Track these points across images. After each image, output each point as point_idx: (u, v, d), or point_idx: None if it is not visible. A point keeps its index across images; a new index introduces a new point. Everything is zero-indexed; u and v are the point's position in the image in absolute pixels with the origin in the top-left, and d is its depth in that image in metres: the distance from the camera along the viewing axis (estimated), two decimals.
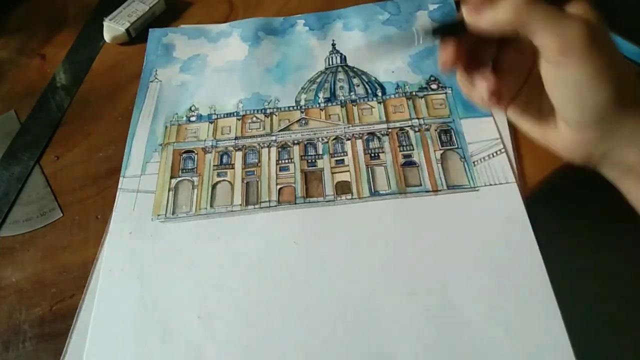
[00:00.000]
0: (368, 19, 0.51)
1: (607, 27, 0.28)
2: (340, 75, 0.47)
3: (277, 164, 0.42)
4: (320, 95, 0.46)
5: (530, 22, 0.27)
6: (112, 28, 0.52)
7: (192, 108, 0.46)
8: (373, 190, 0.39)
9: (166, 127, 0.45)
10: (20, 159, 0.45)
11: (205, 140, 0.44)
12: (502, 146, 0.40)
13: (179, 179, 0.42)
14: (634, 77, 0.29)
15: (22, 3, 0.58)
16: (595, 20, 0.27)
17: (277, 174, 0.41)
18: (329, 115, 0.45)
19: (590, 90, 0.27)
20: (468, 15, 0.29)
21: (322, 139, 0.43)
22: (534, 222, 0.36)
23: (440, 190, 0.39)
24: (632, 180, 0.30)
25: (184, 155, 0.43)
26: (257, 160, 0.42)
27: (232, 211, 0.39)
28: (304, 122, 0.44)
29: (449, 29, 0.30)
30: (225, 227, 0.38)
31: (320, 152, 0.42)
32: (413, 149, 0.41)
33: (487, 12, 0.28)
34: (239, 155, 0.43)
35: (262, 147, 0.43)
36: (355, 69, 0.48)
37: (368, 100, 0.45)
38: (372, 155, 0.42)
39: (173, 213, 0.40)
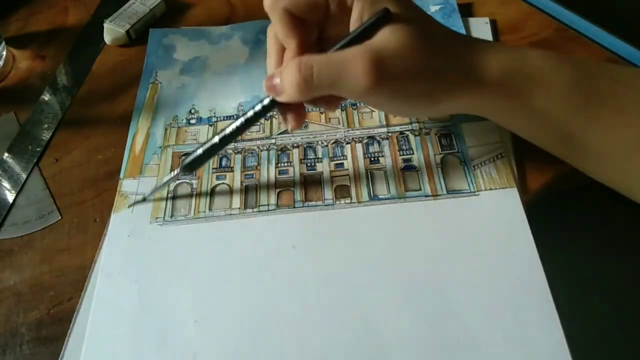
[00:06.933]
0: None
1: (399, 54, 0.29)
2: None
3: (276, 168, 0.42)
4: None
5: (318, 91, 0.30)
6: (112, 30, 0.52)
7: (192, 110, 0.46)
8: (372, 195, 0.39)
9: (166, 130, 0.45)
10: (19, 160, 0.45)
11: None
12: (502, 150, 0.40)
13: (177, 182, 0.41)
14: (449, 63, 0.31)
15: (23, 4, 0.58)
16: (378, 57, 0.28)
17: (276, 178, 0.41)
18: (329, 118, 0.45)
19: (400, 105, 0.33)
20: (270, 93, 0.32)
21: (322, 143, 0.43)
22: (534, 227, 0.35)
23: (439, 195, 0.38)
24: (501, 119, 0.34)
25: (183, 158, 0.43)
26: (256, 164, 0.42)
27: (230, 215, 0.39)
28: (303, 125, 0.44)
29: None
30: (224, 231, 0.38)
31: (320, 156, 0.42)
32: (413, 153, 0.41)
33: (282, 94, 0.31)
34: (238, 159, 0.43)
35: (261, 150, 0.43)
36: None
37: None
38: (372, 159, 0.41)
39: (171, 216, 0.39)
